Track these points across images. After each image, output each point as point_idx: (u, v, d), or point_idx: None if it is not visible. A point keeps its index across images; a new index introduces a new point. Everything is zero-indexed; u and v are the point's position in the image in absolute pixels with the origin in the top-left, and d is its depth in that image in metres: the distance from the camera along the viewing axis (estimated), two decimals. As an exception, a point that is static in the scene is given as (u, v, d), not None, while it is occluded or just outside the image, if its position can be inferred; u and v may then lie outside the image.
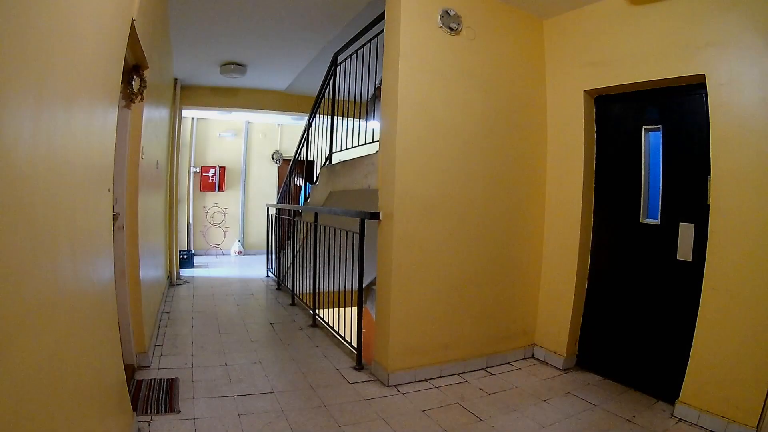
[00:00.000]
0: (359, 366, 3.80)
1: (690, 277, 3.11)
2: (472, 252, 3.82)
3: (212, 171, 10.22)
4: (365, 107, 5.13)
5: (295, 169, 7.69)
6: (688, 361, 3.02)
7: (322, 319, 4.93)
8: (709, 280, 2.95)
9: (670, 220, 3.32)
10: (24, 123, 1.10)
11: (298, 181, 10.24)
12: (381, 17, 3.76)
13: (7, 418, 1.00)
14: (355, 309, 3.97)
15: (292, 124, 10.67)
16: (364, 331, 3.91)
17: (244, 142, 10.71)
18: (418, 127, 3.51)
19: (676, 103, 3.35)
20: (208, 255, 10.12)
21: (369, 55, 4.20)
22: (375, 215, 3.64)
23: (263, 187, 10.83)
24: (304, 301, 5.67)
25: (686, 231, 3.19)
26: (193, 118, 9.99)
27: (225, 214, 10.47)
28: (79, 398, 1.59)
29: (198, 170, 10.17)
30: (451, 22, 3.57)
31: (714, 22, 2.96)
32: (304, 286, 5.58)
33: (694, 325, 3.00)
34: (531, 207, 4.12)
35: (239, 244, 10.48)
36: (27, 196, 1.14)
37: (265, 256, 8.20)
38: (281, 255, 7.33)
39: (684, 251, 3.20)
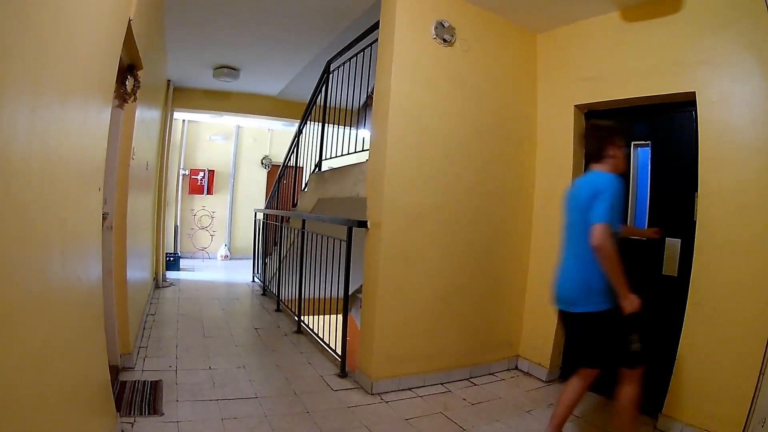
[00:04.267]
0: (343, 373, 3.78)
1: (675, 292, 3.15)
2: (458, 263, 3.84)
3: (201, 174, 10.17)
4: (356, 115, 5.14)
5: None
6: (671, 374, 3.05)
7: (307, 326, 4.91)
8: (693, 295, 3.00)
9: (655, 236, 3.36)
10: (20, 120, 1.10)
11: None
12: (375, 27, 3.80)
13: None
14: (339, 317, 3.96)
15: (282, 130, 10.65)
16: (348, 338, 3.91)
17: (234, 146, 10.69)
18: (408, 136, 3.53)
19: (665, 119, 3.41)
20: (194, 258, 10.04)
21: (362, 64, 4.22)
22: (363, 223, 3.64)
23: (252, 192, 10.79)
24: (290, 307, 5.64)
25: (672, 246, 3.23)
26: (183, 121, 9.94)
27: (212, 217, 10.42)
28: (64, 397, 1.57)
29: (187, 173, 10.13)
30: (445, 33, 3.61)
31: (706, 41, 3.02)
32: (290, 293, 5.56)
33: (678, 339, 3.04)
34: (518, 218, 4.16)
35: (226, 248, 10.42)
36: (20, 193, 1.14)
37: (252, 260, 8.17)
38: (267, 260, 7.30)
39: (670, 266, 3.24)
